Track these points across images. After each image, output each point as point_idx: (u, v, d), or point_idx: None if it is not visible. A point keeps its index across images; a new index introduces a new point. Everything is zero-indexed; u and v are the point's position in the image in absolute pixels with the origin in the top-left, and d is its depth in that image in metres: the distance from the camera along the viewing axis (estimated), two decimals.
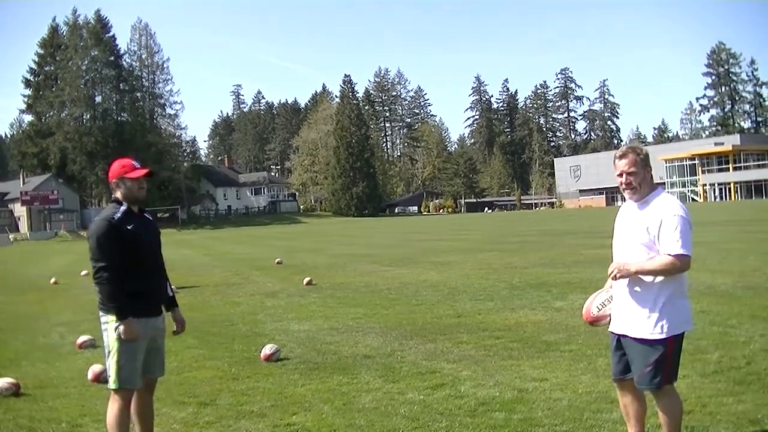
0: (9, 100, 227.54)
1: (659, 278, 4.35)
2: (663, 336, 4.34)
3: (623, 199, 4.75)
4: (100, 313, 4.97)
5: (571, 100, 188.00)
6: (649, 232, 4.37)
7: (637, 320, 4.43)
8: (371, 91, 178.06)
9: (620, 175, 4.51)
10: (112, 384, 4.91)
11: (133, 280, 4.88)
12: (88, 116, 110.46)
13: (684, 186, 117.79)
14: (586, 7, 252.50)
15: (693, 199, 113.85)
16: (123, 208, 5.02)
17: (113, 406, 4.91)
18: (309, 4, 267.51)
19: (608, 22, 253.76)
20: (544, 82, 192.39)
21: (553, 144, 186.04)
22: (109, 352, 4.91)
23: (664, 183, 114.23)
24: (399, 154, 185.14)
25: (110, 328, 4.88)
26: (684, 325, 4.44)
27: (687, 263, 4.28)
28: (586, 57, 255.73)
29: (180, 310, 5.46)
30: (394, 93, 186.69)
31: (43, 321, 13.25)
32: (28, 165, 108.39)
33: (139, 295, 4.92)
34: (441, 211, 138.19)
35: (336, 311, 12.39)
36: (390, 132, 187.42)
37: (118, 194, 5.08)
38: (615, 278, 4.47)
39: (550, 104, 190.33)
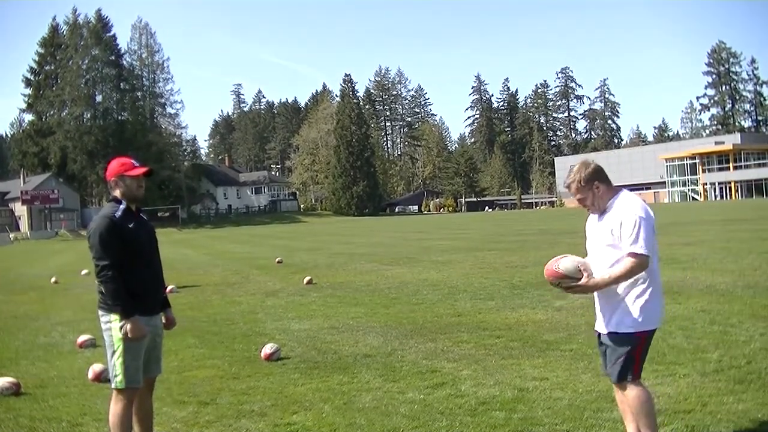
0: (9, 99, 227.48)
1: (641, 277, 4.44)
2: (633, 330, 4.43)
3: None
4: (101, 312, 4.95)
5: (572, 100, 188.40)
6: (612, 234, 4.48)
7: (610, 316, 4.54)
8: (372, 91, 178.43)
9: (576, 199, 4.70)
10: (117, 383, 4.88)
11: (133, 278, 4.87)
12: (89, 115, 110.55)
13: (685, 185, 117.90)
14: (586, 7, 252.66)
15: (694, 198, 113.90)
16: (122, 206, 5.00)
17: (117, 406, 4.90)
18: (309, 4, 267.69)
19: (608, 22, 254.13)
20: (545, 81, 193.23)
21: (553, 143, 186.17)
22: (114, 351, 4.88)
23: (664, 182, 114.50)
24: (399, 153, 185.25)
25: (114, 327, 4.85)
26: (657, 321, 4.53)
27: (645, 262, 4.35)
28: (586, 56, 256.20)
29: (172, 311, 5.43)
30: (395, 92, 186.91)
31: (43, 320, 13.25)
32: (29, 164, 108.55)
33: (139, 293, 4.90)
34: (441, 210, 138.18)
35: (336, 310, 12.40)
36: (390, 131, 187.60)
37: (117, 193, 5.06)
38: (574, 292, 4.60)
39: (551, 103, 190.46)
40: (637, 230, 4.33)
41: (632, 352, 4.44)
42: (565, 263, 4.60)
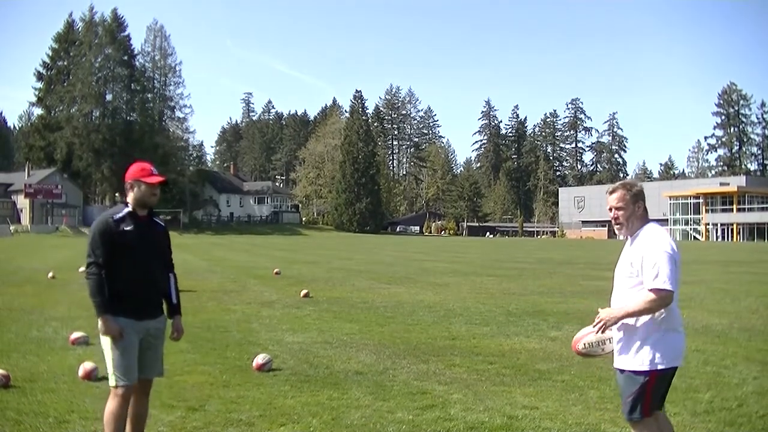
0: (20, 92, 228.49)
1: (655, 314, 4.36)
2: (646, 369, 4.35)
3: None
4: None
5: (580, 131, 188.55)
6: (632, 266, 4.42)
7: (625, 352, 4.46)
8: (381, 109, 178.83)
9: (610, 209, 4.60)
10: (110, 381, 4.97)
11: (120, 280, 4.95)
12: (98, 113, 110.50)
13: (687, 224, 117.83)
14: (600, 41, 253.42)
15: (695, 238, 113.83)
16: (127, 209, 5.11)
17: (111, 403, 4.95)
18: (325, 18, 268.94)
19: (621, 56, 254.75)
20: (554, 111, 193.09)
21: (558, 173, 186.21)
22: (105, 350, 4.99)
23: (667, 219, 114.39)
24: (405, 173, 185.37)
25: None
26: (672, 361, 4.41)
27: (668, 297, 4.27)
28: (597, 89, 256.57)
29: (181, 319, 5.48)
30: (404, 112, 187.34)
31: (37, 314, 13.26)
32: (35, 158, 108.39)
33: (124, 295, 4.96)
34: (442, 232, 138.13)
35: (331, 325, 12.38)
36: (397, 150, 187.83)
37: (130, 196, 5.15)
38: (602, 330, 4.53)
39: (559, 133, 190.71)
40: (660, 264, 4.26)
41: (642, 390, 4.35)
42: (585, 340, 4.76)
